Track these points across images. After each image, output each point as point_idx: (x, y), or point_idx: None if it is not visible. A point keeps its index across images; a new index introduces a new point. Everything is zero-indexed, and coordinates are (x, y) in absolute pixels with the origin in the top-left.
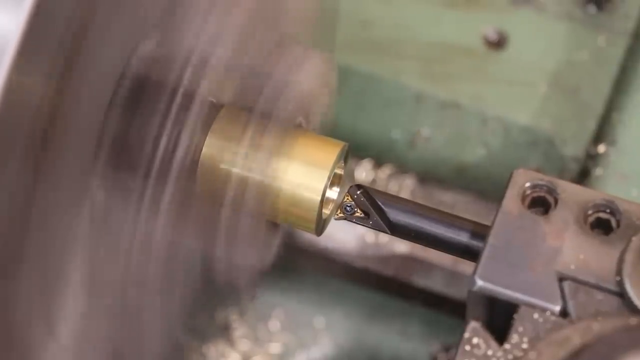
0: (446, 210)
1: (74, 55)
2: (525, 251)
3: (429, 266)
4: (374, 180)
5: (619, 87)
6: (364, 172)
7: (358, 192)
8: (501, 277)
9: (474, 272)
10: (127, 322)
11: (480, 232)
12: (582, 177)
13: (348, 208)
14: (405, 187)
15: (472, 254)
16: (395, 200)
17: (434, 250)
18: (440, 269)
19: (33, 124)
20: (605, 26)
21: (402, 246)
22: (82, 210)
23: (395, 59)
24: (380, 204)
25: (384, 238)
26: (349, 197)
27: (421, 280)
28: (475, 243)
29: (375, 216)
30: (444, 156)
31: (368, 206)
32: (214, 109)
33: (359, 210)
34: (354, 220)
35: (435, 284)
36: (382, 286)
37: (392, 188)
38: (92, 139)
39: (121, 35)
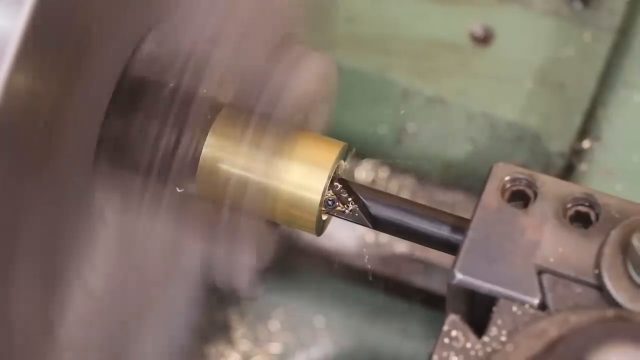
0: (446, 210)
1: (74, 55)
2: (504, 245)
3: (429, 266)
4: (373, 180)
5: (605, 83)
6: (364, 172)
7: (340, 187)
8: (480, 271)
9: (453, 266)
10: (127, 322)
11: (461, 225)
12: (567, 172)
13: (330, 202)
14: (405, 186)
15: (452, 248)
16: (377, 194)
17: (434, 250)
18: (440, 269)
19: (33, 124)
20: (591, 22)
21: (402, 246)
22: (82, 210)
23: (381, 54)
24: (362, 198)
25: (384, 238)
26: (331, 192)
27: (421, 280)
28: (455, 237)
29: (357, 210)
30: (430, 152)
31: (350, 200)
32: (214, 109)
33: (340, 204)
34: (335, 214)
35: (435, 284)
36: (382, 286)
37: (392, 188)
38: (92, 139)
39: (121, 35)
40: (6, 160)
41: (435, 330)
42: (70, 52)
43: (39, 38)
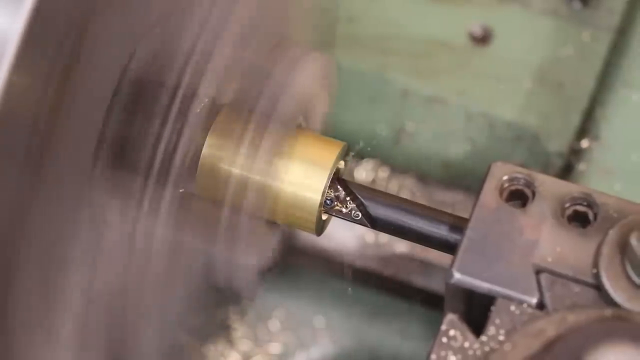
0: (447, 209)
1: (74, 56)
2: (502, 244)
3: (429, 266)
4: (373, 180)
5: (603, 82)
6: (364, 172)
7: (339, 186)
8: (479, 270)
9: (452, 265)
10: (127, 323)
11: (459, 225)
12: (566, 172)
13: (328, 201)
14: (405, 186)
15: (450, 247)
16: (376, 194)
17: (433, 249)
18: (440, 269)
19: (33, 124)
20: (589, 22)
21: (402, 246)
22: (82, 210)
23: (380, 54)
24: (360, 197)
25: (384, 238)
26: (330, 191)
27: (421, 280)
28: (454, 236)
29: (355, 210)
30: (429, 152)
31: (349, 200)
32: (214, 109)
33: (339, 204)
34: (333, 214)
35: (435, 284)
36: (382, 286)
37: (392, 188)
38: (92, 139)
39: (121, 36)
40: (6, 161)
41: (435, 330)
42: (70, 52)
43: (38, 38)
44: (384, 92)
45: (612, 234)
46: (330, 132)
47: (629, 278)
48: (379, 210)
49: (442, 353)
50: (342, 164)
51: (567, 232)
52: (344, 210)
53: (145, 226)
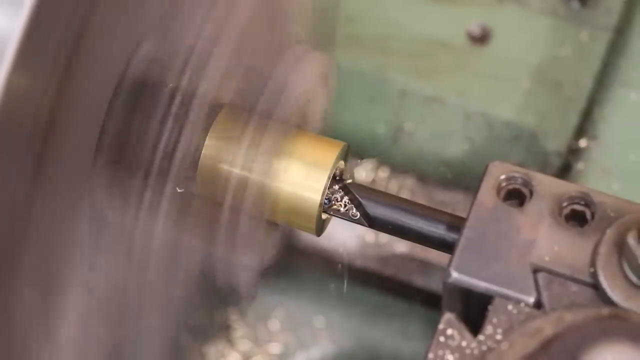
0: (447, 209)
1: (74, 55)
2: (500, 243)
3: (429, 266)
4: (373, 180)
5: (602, 82)
6: (364, 172)
7: (336, 186)
8: (476, 269)
9: (449, 264)
10: (127, 323)
11: (457, 224)
12: (565, 171)
13: (326, 201)
14: (405, 186)
15: (448, 246)
16: (374, 193)
17: (434, 250)
18: (440, 269)
19: (33, 124)
20: (588, 22)
21: (402, 246)
22: (82, 210)
23: (379, 54)
24: (358, 197)
25: (384, 238)
26: (329, 191)
27: (421, 280)
28: (451, 235)
29: (353, 209)
30: (428, 151)
31: (347, 199)
32: (214, 109)
33: (337, 203)
34: (331, 213)
35: (435, 284)
36: (382, 286)
37: (392, 188)
38: (92, 139)
39: (121, 36)
40: (6, 160)
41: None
42: (70, 52)
43: (39, 38)
44: (383, 91)
45: (610, 233)
46: (330, 132)
47: (626, 277)
48: (377, 210)
49: (440, 352)
50: (342, 164)
51: (564, 231)
52: (342, 209)
53: (145, 226)
